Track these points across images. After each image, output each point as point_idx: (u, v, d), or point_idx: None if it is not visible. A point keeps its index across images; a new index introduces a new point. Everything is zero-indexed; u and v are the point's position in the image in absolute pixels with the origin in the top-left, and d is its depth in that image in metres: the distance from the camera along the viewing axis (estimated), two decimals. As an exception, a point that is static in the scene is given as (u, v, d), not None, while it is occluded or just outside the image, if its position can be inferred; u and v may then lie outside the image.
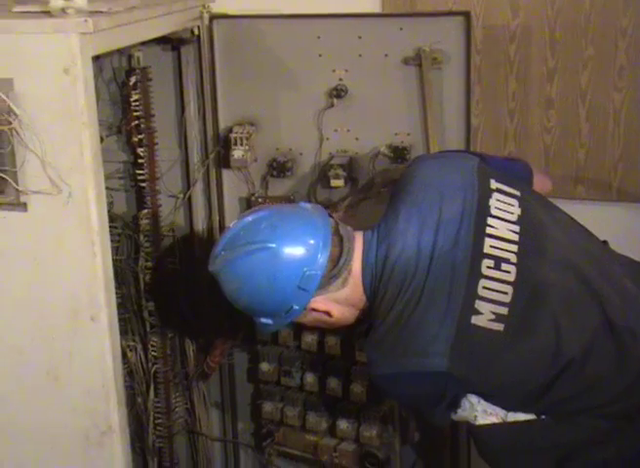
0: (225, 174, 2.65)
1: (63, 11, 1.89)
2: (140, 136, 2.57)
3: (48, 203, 1.95)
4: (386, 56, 2.45)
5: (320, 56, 2.49)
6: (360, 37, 2.47)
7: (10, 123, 1.89)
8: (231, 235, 1.91)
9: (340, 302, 1.91)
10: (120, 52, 2.52)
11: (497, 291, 1.77)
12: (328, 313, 1.92)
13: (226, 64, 2.57)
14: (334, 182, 2.53)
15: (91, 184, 1.94)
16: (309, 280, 1.85)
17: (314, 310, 1.91)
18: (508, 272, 1.79)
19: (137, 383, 2.78)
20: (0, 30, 1.88)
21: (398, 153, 2.50)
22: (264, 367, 2.73)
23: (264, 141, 2.59)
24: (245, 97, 2.58)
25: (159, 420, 2.83)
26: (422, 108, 2.46)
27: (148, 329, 2.76)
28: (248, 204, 2.62)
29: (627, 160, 2.72)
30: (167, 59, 2.62)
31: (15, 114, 1.89)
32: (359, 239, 1.92)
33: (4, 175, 1.93)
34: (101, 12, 1.93)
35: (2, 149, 1.92)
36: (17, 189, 1.95)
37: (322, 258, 1.85)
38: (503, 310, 1.75)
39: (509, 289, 1.77)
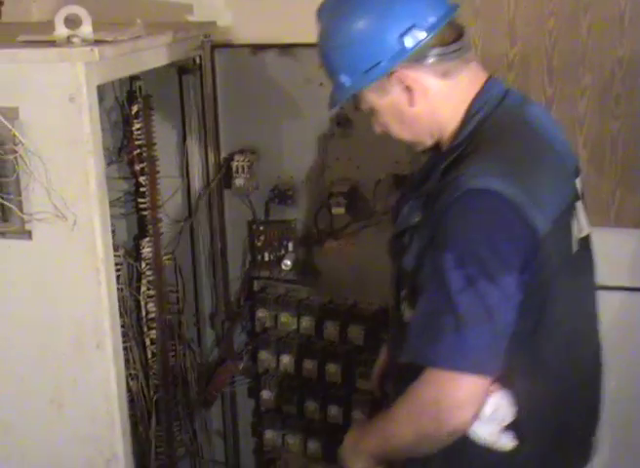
0: (227, 201, 2.67)
1: (69, 40, 1.91)
2: (141, 165, 2.59)
3: (53, 231, 1.96)
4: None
5: (321, 84, 2.50)
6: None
7: (15, 151, 1.91)
8: None
9: (429, 91, 1.74)
10: (121, 79, 2.54)
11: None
12: (411, 92, 1.72)
13: (228, 92, 2.60)
14: (335, 210, 2.55)
15: (96, 212, 1.95)
16: (413, 35, 1.67)
17: (399, 83, 1.72)
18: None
19: (138, 411, 2.77)
20: (6, 59, 1.90)
21: (399, 181, 2.52)
22: (265, 394, 2.74)
23: (266, 169, 2.61)
24: (247, 125, 2.61)
25: (160, 448, 2.82)
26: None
27: (150, 357, 2.75)
28: (250, 230, 2.64)
29: (625, 186, 2.74)
30: (169, 87, 2.64)
31: (20, 142, 1.91)
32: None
33: (8, 204, 1.94)
34: (107, 41, 1.94)
35: (7, 177, 1.93)
36: (21, 217, 1.96)
37: (434, 20, 1.69)
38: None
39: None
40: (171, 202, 2.72)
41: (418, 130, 1.80)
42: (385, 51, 1.69)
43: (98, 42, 1.92)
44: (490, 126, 1.74)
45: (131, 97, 2.57)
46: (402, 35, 1.67)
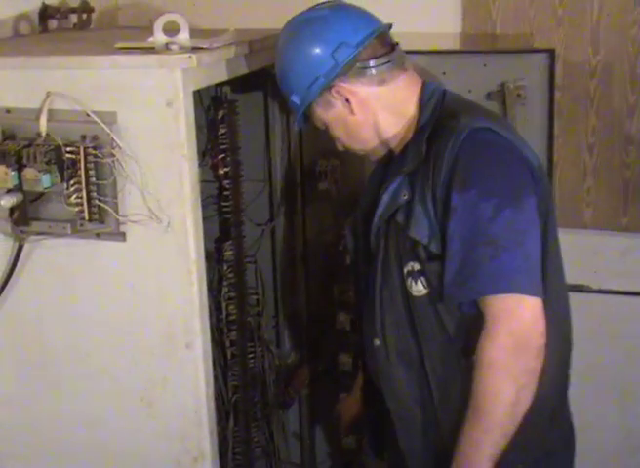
0: (309, 205, 2.69)
1: (167, 46, 1.95)
2: (225, 169, 2.62)
3: (147, 233, 2.01)
4: (470, 91, 2.48)
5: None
6: (444, 73, 2.52)
7: (113, 155, 1.96)
8: None
9: (368, 99, 1.97)
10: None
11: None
12: (350, 102, 1.96)
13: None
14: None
15: (190, 215, 1.99)
16: (343, 51, 1.92)
17: (340, 96, 1.96)
18: None
19: (217, 412, 2.80)
20: (107, 65, 1.95)
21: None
22: (343, 397, 2.75)
23: (349, 174, 2.63)
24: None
25: (238, 449, 2.85)
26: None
27: (229, 358, 2.79)
28: (333, 235, 2.66)
29: None
30: (254, 93, 2.67)
31: (117, 146, 1.95)
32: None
33: (106, 206, 1.99)
34: (203, 48, 1.98)
35: (105, 180, 1.97)
36: (117, 219, 2.01)
37: (361, 37, 1.94)
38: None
39: None
40: (253, 205, 2.75)
41: (364, 137, 2.02)
42: (321, 67, 1.95)
43: (194, 49, 1.96)
44: (448, 103, 1.97)
45: (216, 102, 2.61)
46: (333, 52, 1.93)
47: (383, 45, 1.98)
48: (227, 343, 2.77)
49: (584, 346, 2.64)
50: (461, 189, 1.80)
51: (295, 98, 2.02)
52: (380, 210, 1.98)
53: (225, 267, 2.71)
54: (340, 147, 2.11)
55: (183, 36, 1.97)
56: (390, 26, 2.03)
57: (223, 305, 2.73)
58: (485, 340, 1.79)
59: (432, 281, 1.88)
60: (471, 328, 1.86)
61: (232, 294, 2.71)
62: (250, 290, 2.78)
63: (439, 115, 1.94)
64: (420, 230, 1.87)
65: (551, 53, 2.44)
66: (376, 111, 1.98)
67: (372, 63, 1.95)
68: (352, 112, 1.98)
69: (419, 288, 1.91)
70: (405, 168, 1.92)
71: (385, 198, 1.96)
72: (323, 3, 2.04)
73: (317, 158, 2.64)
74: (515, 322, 1.77)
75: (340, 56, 1.93)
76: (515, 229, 1.79)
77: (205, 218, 2.78)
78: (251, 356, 2.78)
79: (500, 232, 1.78)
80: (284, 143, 2.67)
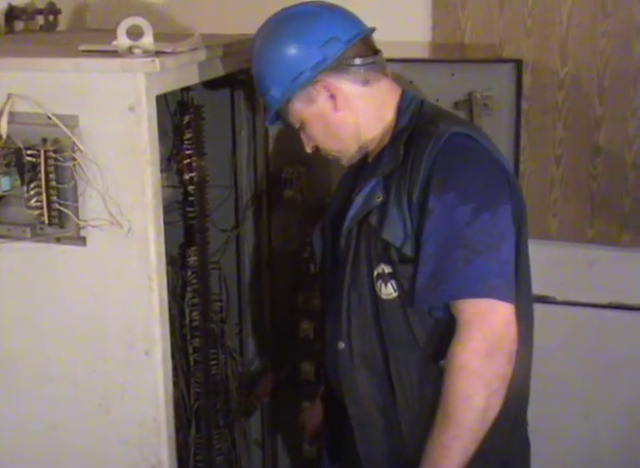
0: (275, 212, 2.68)
1: (130, 50, 1.93)
2: (191, 174, 2.60)
3: (107, 238, 1.98)
4: (437, 100, 2.47)
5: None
6: (412, 81, 2.52)
7: (74, 158, 1.94)
8: None
9: (351, 96, 1.97)
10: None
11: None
12: (335, 98, 1.96)
13: (279, 105, 2.61)
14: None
15: (151, 220, 1.96)
16: (332, 46, 1.93)
17: (324, 91, 1.96)
18: None
19: (178, 419, 2.79)
20: (68, 68, 1.92)
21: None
22: (306, 405, 2.74)
23: (315, 182, 2.62)
24: (296, 137, 2.61)
25: (199, 456, 2.83)
26: (472, 153, 2.49)
27: (192, 364, 2.77)
28: (298, 242, 2.65)
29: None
30: (221, 98, 2.66)
31: (79, 150, 1.93)
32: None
33: (65, 210, 1.97)
34: (167, 52, 1.96)
35: (65, 184, 1.95)
36: (77, 224, 1.98)
37: (350, 35, 1.95)
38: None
39: None
40: (219, 211, 2.73)
41: (343, 136, 2.00)
42: (309, 60, 1.94)
43: (158, 53, 1.94)
44: (426, 111, 1.98)
45: (182, 107, 2.59)
46: (322, 46, 1.93)
47: (368, 47, 1.99)
48: (190, 350, 2.76)
49: (549, 357, 2.66)
50: (439, 192, 1.80)
51: (275, 92, 1.99)
52: (352, 211, 1.96)
53: (189, 273, 2.70)
54: (309, 149, 2.10)
55: (147, 40, 1.95)
56: (373, 30, 2.04)
57: (187, 311, 2.72)
58: (457, 345, 1.79)
59: (403, 284, 1.87)
60: (441, 333, 1.86)
61: (196, 301, 2.70)
62: (214, 296, 2.77)
63: (417, 121, 1.95)
64: (394, 232, 1.86)
65: (519, 63, 2.44)
66: (358, 111, 1.98)
67: (358, 62, 1.95)
68: (336, 108, 1.97)
69: (388, 291, 1.90)
70: (380, 170, 1.92)
71: (359, 200, 1.94)
72: (306, 3, 2.04)
73: (283, 165, 2.62)
74: (488, 326, 1.77)
75: (330, 50, 1.93)
76: (491, 234, 1.80)
77: (170, 224, 2.79)
78: (214, 363, 2.77)
79: (477, 236, 1.78)
80: (250, 149, 2.66)
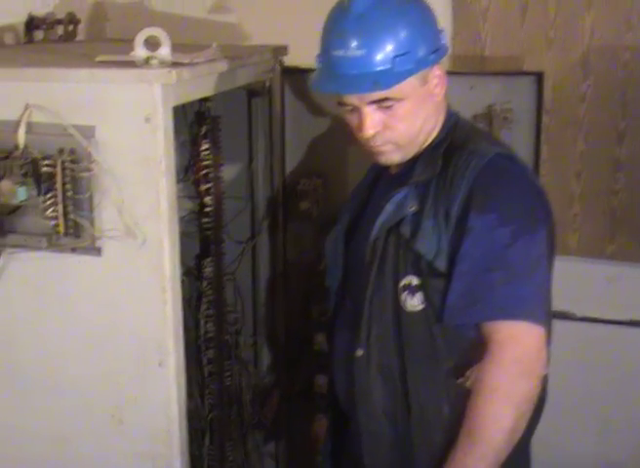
0: (291, 224, 2.67)
1: (147, 61, 1.92)
2: (207, 185, 2.59)
3: (122, 248, 1.97)
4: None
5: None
6: (431, 94, 2.50)
7: (90, 169, 1.93)
8: None
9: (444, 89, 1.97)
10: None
11: None
12: (441, 84, 1.94)
13: (296, 116, 2.61)
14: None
15: (166, 231, 1.96)
16: (443, 36, 1.94)
17: (436, 76, 1.92)
18: None
19: (192, 430, 2.77)
20: (85, 79, 1.92)
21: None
22: (319, 418, 2.72)
23: (331, 194, 2.61)
24: (313, 149, 2.61)
25: (212, 468, 2.83)
26: (491, 166, 2.47)
27: (206, 376, 2.76)
28: (313, 255, 2.64)
29: None
30: (238, 109, 2.66)
31: (95, 160, 1.93)
32: None
33: (81, 220, 1.96)
34: (183, 63, 1.96)
35: (81, 195, 1.95)
36: (92, 234, 1.98)
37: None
38: None
39: None
40: (234, 223, 2.72)
41: (425, 126, 1.93)
42: (439, 40, 1.91)
43: (175, 64, 1.93)
44: (462, 126, 1.99)
45: (199, 118, 2.59)
46: (440, 32, 1.92)
47: None
48: (205, 361, 2.75)
49: (567, 374, 2.63)
50: (481, 211, 1.79)
51: (423, 52, 1.85)
52: (382, 218, 1.92)
53: (205, 284, 2.69)
54: (372, 130, 1.89)
55: (164, 51, 1.94)
56: None
57: (202, 322, 2.71)
58: (489, 365, 1.77)
59: (432, 298, 1.85)
60: (463, 350, 1.84)
61: (211, 312, 2.69)
62: (229, 307, 2.76)
63: (453, 135, 1.94)
64: (427, 245, 1.84)
65: (540, 76, 2.42)
66: (440, 104, 1.97)
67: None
68: (438, 96, 1.94)
69: (414, 303, 1.87)
70: (415, 179, 1.90)
71: (389, 207, 1.91)
72: None
73: (300, 177, 2.61)
74: (522, 349, 1.76)
75: (443, 39, 1.93)
76: (529, 257, 1.80)
77: (187, 234, 2.79)
78: (228, 374, 2.76)
79: (516, 259, 1.78)
80: (267, 161, 2.65)
